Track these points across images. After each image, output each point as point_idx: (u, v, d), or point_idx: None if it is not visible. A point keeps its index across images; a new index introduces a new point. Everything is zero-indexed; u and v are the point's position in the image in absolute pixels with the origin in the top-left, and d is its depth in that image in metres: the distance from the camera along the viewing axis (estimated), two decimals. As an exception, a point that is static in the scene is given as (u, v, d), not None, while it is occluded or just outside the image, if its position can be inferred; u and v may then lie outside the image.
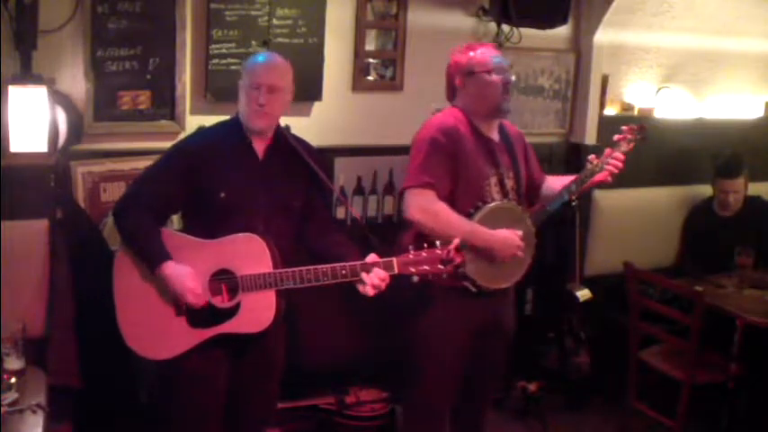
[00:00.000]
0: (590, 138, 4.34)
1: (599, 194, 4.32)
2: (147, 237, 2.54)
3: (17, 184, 3.02)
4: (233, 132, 2.62)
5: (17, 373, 2.69)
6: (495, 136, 2.95)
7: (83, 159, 3.21)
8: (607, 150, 2.93)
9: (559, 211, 3.03)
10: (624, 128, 2.94)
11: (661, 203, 4.57)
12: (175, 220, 2.92)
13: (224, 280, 2.54)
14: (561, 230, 4.11)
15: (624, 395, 3.92)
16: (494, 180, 2.88)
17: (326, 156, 3.71)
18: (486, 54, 2.91)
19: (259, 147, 2.63)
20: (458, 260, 2.51)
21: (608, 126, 4.32)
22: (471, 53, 2.92)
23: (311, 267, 2.51)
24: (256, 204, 2.58)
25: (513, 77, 2.93)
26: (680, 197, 4.60)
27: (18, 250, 3.04)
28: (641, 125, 2.96)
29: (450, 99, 2.99)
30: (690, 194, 4.59)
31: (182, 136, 3.05)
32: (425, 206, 2.76)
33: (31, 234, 3.11)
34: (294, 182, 2.68)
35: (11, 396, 2.59)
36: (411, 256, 2.50)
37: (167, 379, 2.64)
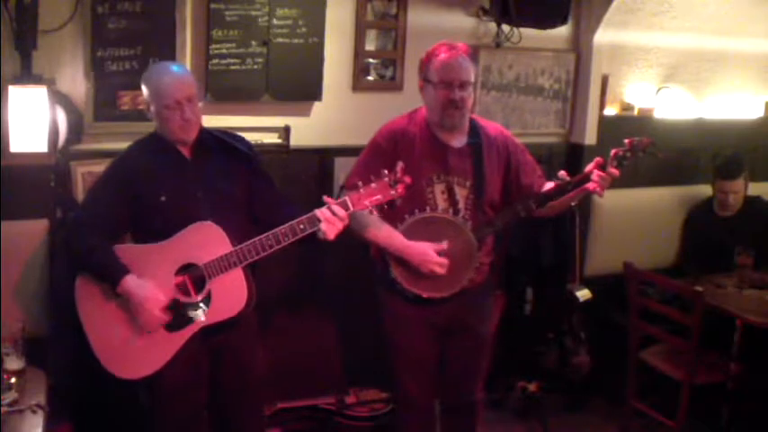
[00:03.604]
0: (590, 138, 4.34)
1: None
2: (101, 256, 2.55)
3: (17, 184, 3.02)
4: (155, 143, 2.64)
5: (17, 373, 2.68)
6: (455, 141, 2.86)
7: (83, 159, 3.21)
8: (588, 167, 2.78)
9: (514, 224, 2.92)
10: (625, 141, 2.79)
11: (661, 203, 4.56)
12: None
13: (188, 274, 2.56)
14: (561, 230, 4.11)
15: (624, 395, 3.91)
16: (440, 188, 2.84)
17: (326, 156, 3.72)
18: (440, 62, 2.76)
19: (184, 148, 2.64)
20: (407, 180, 2.52)
21: (608, 126, 4.33)
22: (432, 57, 2.79)
23: (269, 233, 2.52)
24: (197, 200, 2.60)
25: (467, 93, 2.76)
26: (680, 197, 4.59)
27: (18, 250, 3.04)
28: (640, 140, 2.78)
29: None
30: (690, 194, 4.58)
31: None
32: None
33: (31, 234, 3.11)
34: (228, 170, 2.68)
35: (11, 396, 2.59)
36: (362, 191, 2.52)
37: (149, 389, 2.67)
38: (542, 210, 2.88)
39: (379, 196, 2.51)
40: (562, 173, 2.82)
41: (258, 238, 2.53)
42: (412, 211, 2.79)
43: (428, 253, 2.75)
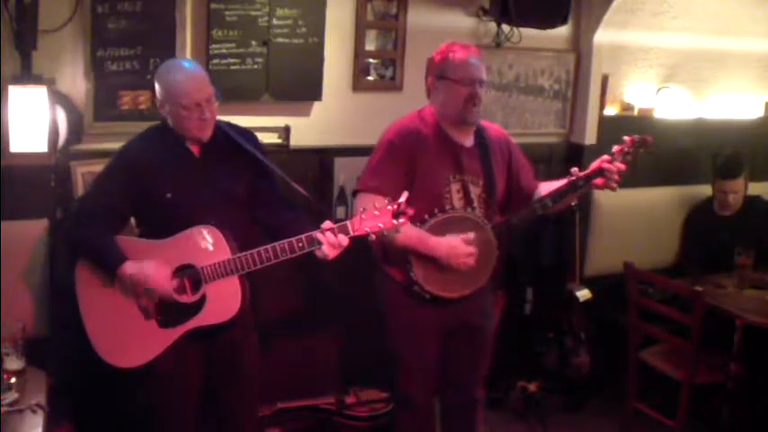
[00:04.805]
0: (590, 138, 4.34)
1: (599, 194, 4.32)
2: (101, 244, 2.55)
3: (17, 184, 3.02)
4: (165, 137, 2.62)
5: (17, 373, 2.69)
6: (466, 141, 2.89)
7: (83, 159, 3.21)
8: (594, 164, 2.82)
9: (534, 222, 2.93)
10: (626, 138, 2.81)
11: (661, 203, 4.57)
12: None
13: (186, 275, 2.56)
14: (561, 230, 4.11)
15: (624, 395, 3.92)
16: (455, 187, 2.84)
17: (326, 156, 3.72)
18: (461, 60, 2.78)
19: (194, 146, 2.63)
20: (410, 212, 2.50)
21: (608, 126, 4.33)
22: (449, 55, 2.81)
23: (269, 246, 2.52)
24: (203, 199, 2.60)
25: (483, 91, 2.80)
26: (680, 197, 4.60)
27: (18, 250, 3.04)
28: (643, 137, 2.82)
29: (428, 97, 2.93)
30: (690, 194, 4.58)
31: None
32: None
33: (31, 234, 3.11)
34: (235, 171, 2.67)
35: (11, 396, 2.60)
36: (364, 216, 2.49)
37: (140, 381, 2.66)
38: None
39: (380, 224, 2.47)
40: (574, 169, 2.84)
41: (257, 249, 2.52)
42: (431, 210, 2.78)
43: (458, 246, 2.76)
